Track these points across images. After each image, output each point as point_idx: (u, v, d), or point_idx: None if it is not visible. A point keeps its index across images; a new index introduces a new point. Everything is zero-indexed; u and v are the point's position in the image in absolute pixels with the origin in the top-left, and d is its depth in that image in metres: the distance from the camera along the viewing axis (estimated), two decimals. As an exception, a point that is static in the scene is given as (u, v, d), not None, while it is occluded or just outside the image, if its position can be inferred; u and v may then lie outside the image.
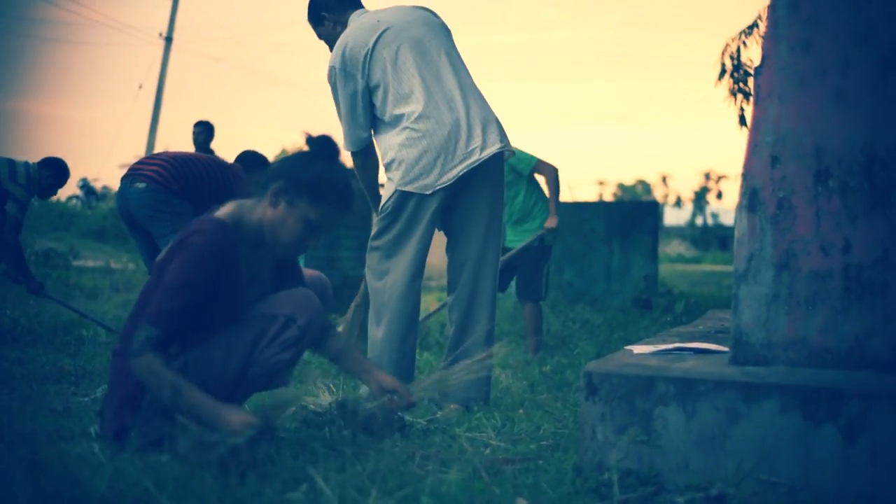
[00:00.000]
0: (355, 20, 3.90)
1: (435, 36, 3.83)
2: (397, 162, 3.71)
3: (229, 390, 2.52)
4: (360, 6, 3.99)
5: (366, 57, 3.75)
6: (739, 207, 2.53)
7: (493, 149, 3.70)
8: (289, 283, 2.83)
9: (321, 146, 2.60)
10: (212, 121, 8.74)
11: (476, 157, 3.67)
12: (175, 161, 5.51)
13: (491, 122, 3.75)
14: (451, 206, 3.81)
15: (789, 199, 2.44)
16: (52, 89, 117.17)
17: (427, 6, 3.99)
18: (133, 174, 5.48)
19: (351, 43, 3.80)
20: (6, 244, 6.18)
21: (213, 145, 8.74)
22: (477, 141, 3.68)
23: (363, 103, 3.80)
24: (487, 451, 2.77)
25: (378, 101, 3.77)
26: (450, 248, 3.87)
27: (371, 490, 2.12)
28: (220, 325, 2.58)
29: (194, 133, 8.72)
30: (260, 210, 2.60)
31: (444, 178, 3.66)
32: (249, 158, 5.98)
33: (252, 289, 2.68)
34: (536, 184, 6.17)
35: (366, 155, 3.93)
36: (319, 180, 2.53)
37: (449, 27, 3.99)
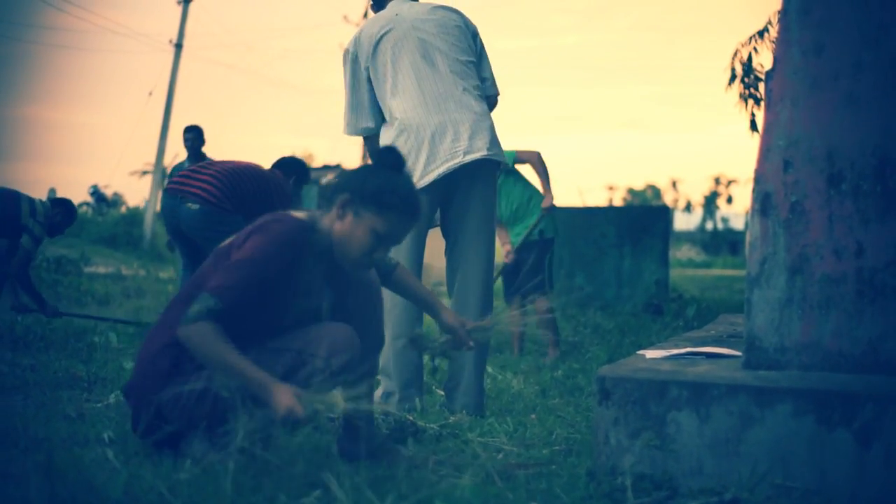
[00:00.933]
0: (391, 8, 3.93)
1: (446, 39, 3.84)
2: None
3: None
4: None
5: (370, 46, 3.80)
6: (752, 212, 2.53)
7: (477, 154, 3.72)
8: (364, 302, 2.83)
9: (385, 157, 2.63)
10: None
11: (458, 160, 3.70)
12: (225, 176, 5.39)
13: (482, 130, 3.76)
14: (444, 211, 3.86)
15: (802, 203, 2.44)
16: (63, 96, 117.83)
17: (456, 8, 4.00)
18: (182, 191, 5.36)
19: (366, 31, 3.87)
20: (19, 277, 6.29)
21: (205, 149, 8.58)
22: (462, 144, 3.71)
23: (365, 91, 3.84)
24: (500, 455, 2.77)
25: (376, 93, 3.82)
26: (447, 253, 3.92)
27: (385, 495, 2.13)
28: (261, 335, 2.54)
29: (185, 139, 8.53)
30: (328, 222, 2.60)
31: (426, 178, 3.70)
32: (288, 165, 5.94)
33: (303, 300, 2.65)
34: (528, 181, 6.25)
35: (370, 142, 3.93)
36: (384, 190, 2.53)
37: (476, 30, 3.99)
